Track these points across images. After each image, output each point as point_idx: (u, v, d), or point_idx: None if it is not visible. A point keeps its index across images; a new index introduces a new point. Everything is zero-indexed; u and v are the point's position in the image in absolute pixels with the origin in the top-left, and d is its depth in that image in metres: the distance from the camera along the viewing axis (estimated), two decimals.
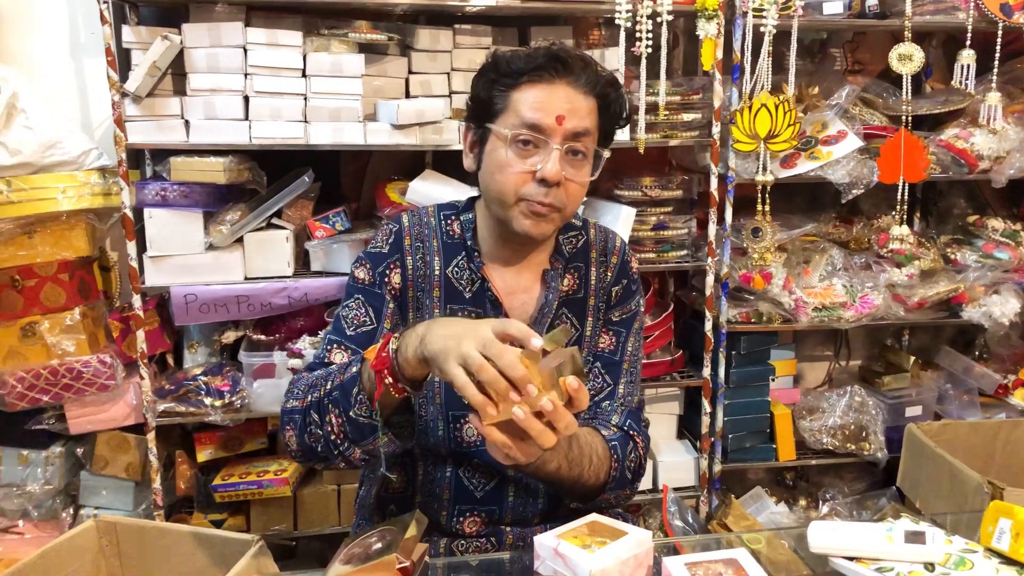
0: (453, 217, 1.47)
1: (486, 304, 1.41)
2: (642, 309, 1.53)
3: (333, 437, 1.23)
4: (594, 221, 1.54)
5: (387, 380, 1.14)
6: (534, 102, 1.30)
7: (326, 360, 1.36)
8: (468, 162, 1.42)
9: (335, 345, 1.37)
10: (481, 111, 1.37)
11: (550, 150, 1.30)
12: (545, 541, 1.11)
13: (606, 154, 1.38)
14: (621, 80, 2.20)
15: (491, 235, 1.42)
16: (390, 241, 1.44)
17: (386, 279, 1.41)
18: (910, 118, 2.36)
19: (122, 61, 2.06)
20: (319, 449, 1.25)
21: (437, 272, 1.42)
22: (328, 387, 1.23)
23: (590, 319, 1.46)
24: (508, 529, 1.42)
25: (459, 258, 1.43)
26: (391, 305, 1.40)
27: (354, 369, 1.21)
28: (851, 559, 1.12)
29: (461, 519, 1.41)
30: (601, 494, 1.36)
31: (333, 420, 1.22)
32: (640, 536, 1.11)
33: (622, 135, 2.25)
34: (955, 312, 2.56)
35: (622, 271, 1.50)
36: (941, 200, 2.83)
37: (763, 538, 1.33)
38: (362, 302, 1.40)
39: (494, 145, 1.34)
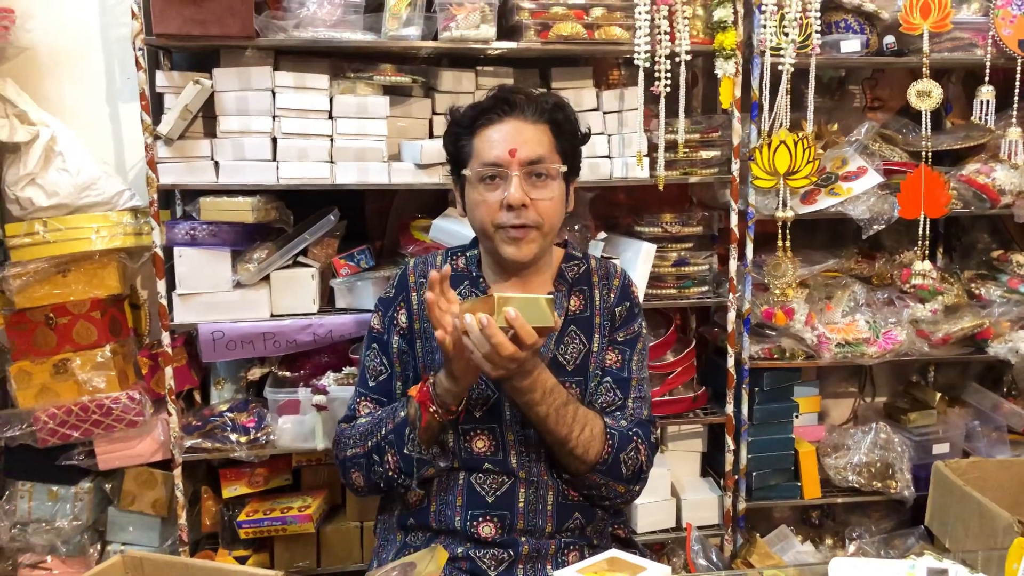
0: (459, 254, 1.64)
1: None
2: (645, 332, 1.65)
3: (391, 473, 1.48)
4: (593, 255, 1.69)
5: (431, 408, 1.40)
6: (489, 142, 1.49)
7: (357, 413, 1.60)
8: (459, 208, 1.60)
9: (362, 397, 1.61)
10: (454, 163, 1.57)
11: (510, 178, 1.46)
12: None
13: (562, 168, 1.51)
14: (640, 118, 2.25)
15: (492, 266, 1.57)
16: (395, 284, 1.63)
17: (394, 322, 1.60)
18: (930, 154, 2.36)
19: (155, 105, 2.12)
20: (382, 485, 1.52)
21: None
22: (383, 432, 1.48)
23: (597, 336, 1.58)
24: (523, 539, 1.48)
25: (462, 287, 1.58)
26: (395, 349, 1.59)
27: (402, 414, 1.46)
28: None
29: (475, 523, 1.48)
30: (591, 474, 1.46)
31: (390, 459, 1.47)
32: (659, 572, 1.11)
33: (640, 172, 2.28)
34: (981, 348, 2.53)
35: (624, 294, 1.62)
36: (964, 235, 2.82)
37: (784, 574, 1.32)
38: (377, 351, 1.62)
39: (469, 188, 1.53)
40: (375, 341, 1.62)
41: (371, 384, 1.60)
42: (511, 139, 1.47)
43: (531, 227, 1.47)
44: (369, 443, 1.49)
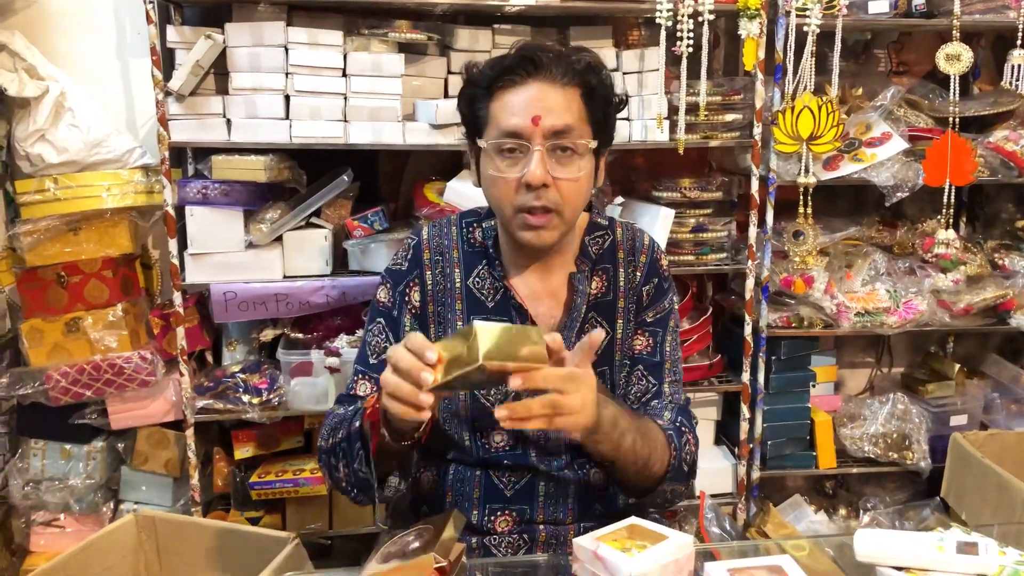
0: (475, 224, 1.47)
1: (511, 312, 1.40)
2: (676, 307, 1.51)
3: (344, 484, 1.33)
4: (621, 220, 1.52)
5: (380, 430, 1.19)
6: (509, 108, 1.29)
7: (352, 391, 1.42)
8: (473, 178, 1.42)
9: (360, 375, 1.43)
10: (470, 128, 1.38)
11: (531, 152, 1.28)
12: (584, 544, 1.09)
13: (591, 144, 1.32)
14: (660, 79, 2.20)
15: (509, 244, 1.41)
16: (408, 257, 1.45)
17: (406, 298, 1.43)
18: (957, 120, 2.30)
19: (166, 60, 2.09)
20: (339, 488, 1.36)
21: (458, 284, 1.43)
22: (339, 436, 1.30)
23: (620, 322, 1.44)
24: (541, 527, 1.41)
25: (480, 267, 1.43)
26: (407, 328, 1.43)
27: (357, 424, 1.26)
28: (899, 569, 1.10)
29: (492, 517, 1.41)
30: (660, 485, 1.35)
31: (342, 469, 1.31)
32: (681, 540, 1.09)
33: (660, 135, 2.23)
34: (1003, 319, 2.50)
35: (652, 270, 1.46)
36: (989, 204, 2.76)
37: (806, 545, 1.30)
38: (383, 327, 1.44)
39: (485, 159, 1.34)
40: (381, 315, 1.45)
41: (372, 361, 1.43)
42: (534, 105, 1.27)
43: (552, 211, 1.30)
44: (331, 440, 1.33)
